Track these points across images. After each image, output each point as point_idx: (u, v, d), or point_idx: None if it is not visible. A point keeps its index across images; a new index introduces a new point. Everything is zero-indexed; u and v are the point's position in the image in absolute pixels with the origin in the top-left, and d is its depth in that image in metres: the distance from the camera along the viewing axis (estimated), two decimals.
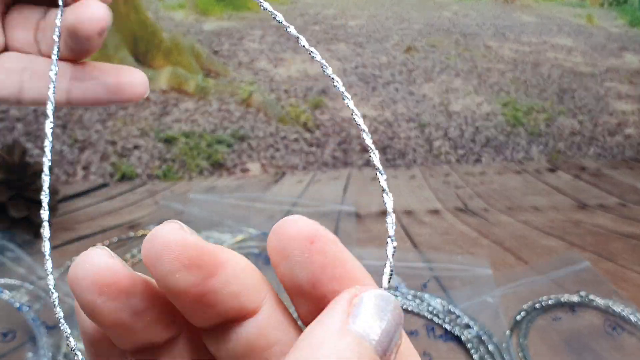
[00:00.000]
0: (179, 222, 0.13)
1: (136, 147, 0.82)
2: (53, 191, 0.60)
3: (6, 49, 0.22)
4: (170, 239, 0.12)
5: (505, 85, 0.96)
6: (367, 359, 0.12)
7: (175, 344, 0.14)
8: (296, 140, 0.85)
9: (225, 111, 0.86)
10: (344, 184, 0.79)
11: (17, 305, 0.44)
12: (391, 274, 0.14)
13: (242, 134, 0.85)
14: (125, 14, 0.81)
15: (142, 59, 0.82)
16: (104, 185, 0.78)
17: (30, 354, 0.41)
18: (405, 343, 0.14)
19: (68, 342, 0.15)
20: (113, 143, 0.82)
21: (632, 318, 0.46)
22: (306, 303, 0.13)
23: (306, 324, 0.14)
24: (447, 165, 0.90)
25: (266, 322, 0.14)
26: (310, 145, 0.85)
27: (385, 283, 0.14)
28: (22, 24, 0.22)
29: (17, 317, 0.44)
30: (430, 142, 0.91)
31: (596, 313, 0.48)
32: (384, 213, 0.71)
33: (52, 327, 0.43)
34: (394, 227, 0.15)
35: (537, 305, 0.48)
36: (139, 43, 0.87)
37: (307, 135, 0.86)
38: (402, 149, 0.89)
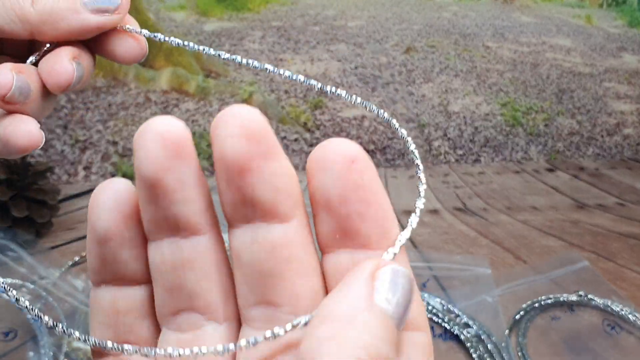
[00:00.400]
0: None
1: None
2: (54, 191, 0.60)
3: None
4: (243, 111, 0.13)
5: (504, 85, 0.97)
6: (392, 333, 0.12)
7: (199, 241, 0.14)
8: (296, 140, 0.85)
9: None
10: None
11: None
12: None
13: None
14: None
15: (142, 60, 0.82)
16: None
17: (31, 353, 0.41)
18: (419, 307, 0.14)
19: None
20: (114, 143, 0.82)
21: (631, 317, 0.46)
22: (328, 219, 0.14)
23: (321, 244, 0.14)
24: (446, 165, 0.90)
25: (293, 235, 0.14)
26: (311, 145, 0.85)
27: (405, 236, 0.14)
28: None
29: (18, 317, 0.44)
30: (429, 142, 0.91)
31: (595, 312, 0.48)
32: None
33: (53, 327, 0.43)
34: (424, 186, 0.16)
35: (536, 305, 0.48)
36: None
37: (307, 135, 0.86)
38: (402, 149, 0.89)
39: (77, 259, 0.53)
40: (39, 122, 0.20)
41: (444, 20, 0.98)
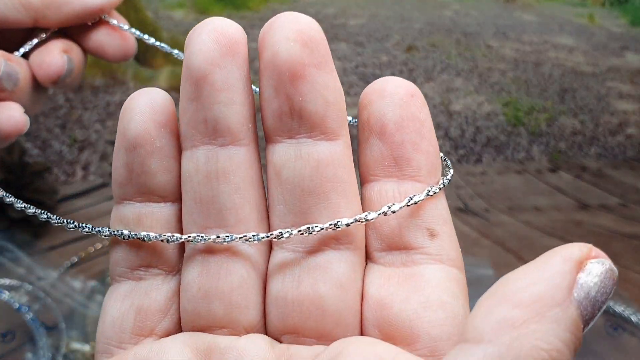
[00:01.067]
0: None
1: None
2: (52, 191, 0.60)
3: None
4: (300, 17, 0.13)
5: (506, 84, 0.96)
6: (578, 338, 0.10)
7: (237, 152, 0.14)
8: None
9: None
10: None
11: (17, 305, 0.44)
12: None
13: None
14: (125, 13, 0.81)
15: (141, 59, 0.82)
16: (104, 185, 0.78)
17: (29, 355, 0.41)
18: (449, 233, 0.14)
19: None
20: (113, 143, 0.82)
21: (634, 318, 0.46)
22: (380, 145, 0.13)
23: (365, 171, 0.14)
24: None
25: (340, 154, 0.13)
26: None
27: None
28: None
29: (16, 318, 0.44)
30: None
31: None
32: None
33: (52, 328, 0.43)
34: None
35: None
36: (138, 42, 0.86)
37: None
38: None
39: (75, 259, 0.53)
40: (27, 113, 0.20)
41: (445, 19, 0.97)
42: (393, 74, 1.02)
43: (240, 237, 0.13)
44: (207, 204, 0.14)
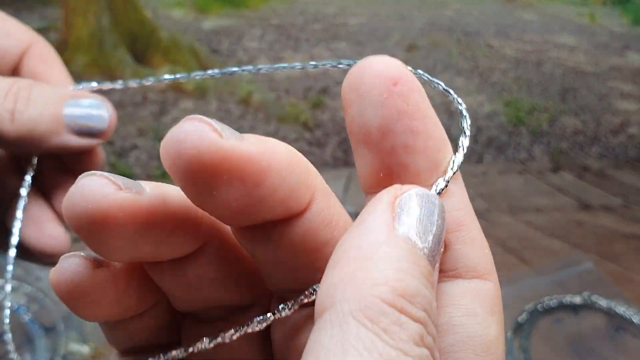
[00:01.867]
0: (204, 118, 0.10)
1: (134, 147, 0.81)
2: None
3: None
4: (202, 146, 0.10)
5: (508, 84, 0.96)
6: (421, 265, 0.10)
7: (201, 254, 0.12)
8: (296, 139, 0.85)
9: (224, 110, 0.86)
10: (345, 184, 0.78)
11: (15, 307, 0.44)
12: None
13: (242, 133, 0.84)
14: (124, 12, 0.81)
15: (140, 58, 0.82)
16: None
17: (27, 356, 0.41)
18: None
19: None
20: (111, 143, 0.82)
21: (635, 319, 0.46)
22: (369, 156, 0.12)
23: (363, 185, 0.12)
24: None
25: (315, 221, 0.12)
26: (311, 144, 0.85)
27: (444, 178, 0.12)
28: None
29: (14, 319, 0.44)
30: None
31: (599, 314, 0.48)
32: None
33: (49, 329, 0.43)
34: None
35: (540, 307, 0.48)
36: (137, 42, 0.86)
37: (307, 134, 0.86)
38: None
39: None
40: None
41: (446, 18, 0.97)
42: None
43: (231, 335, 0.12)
44: None
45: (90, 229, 0.11)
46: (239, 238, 0.12)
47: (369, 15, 0.95)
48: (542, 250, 0.61)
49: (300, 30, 0.90)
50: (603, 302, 0.48)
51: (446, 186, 0.12)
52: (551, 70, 0.99)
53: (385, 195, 0.11)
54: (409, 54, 0.95)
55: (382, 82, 0.11)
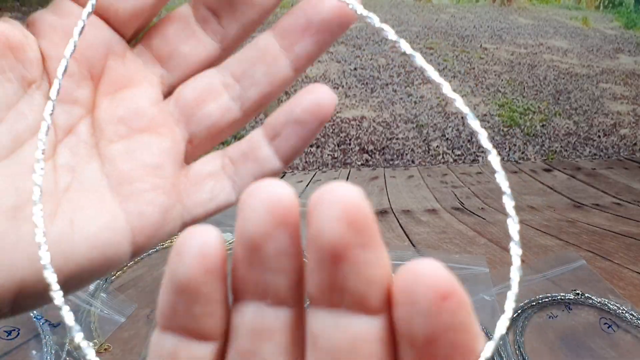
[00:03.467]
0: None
1: None
2: None
3: None
4: (347, 193, 0.12)
5: (502, 86, 0.97)
6: None
7: (284, 313, 0.14)
8: None
9: None
10: None
11: None
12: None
13: (242, 134, 0.85)
14: None
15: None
16: None
17: (34, 352, 0.41)
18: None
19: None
20: None
21: (627, 316, 0.47)
22: (411, 352, 0.12)
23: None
24: (444, 165, 0.90)
25: (378, 331, 0.13)
26: (310, 145, 0.86)
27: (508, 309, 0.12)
28: None
29: (20, 315, 0.44)
30: (428, 142, 0.91)
31: (592, 311, 0.48)
32: (382, 212, 0.72)
33: (56, 325, 0.43)
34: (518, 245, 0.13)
35: (534, 303, 0.49)
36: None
37: None
38: (401, 149, 0.90)
39: None
40: None
41: (442, 22, 0.98)
42: (391, 76, 1.03)
43: None
44: (249, 357, 0.14)
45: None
46: (309, 316, 0.14)
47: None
48: (536, 248, 0.62)
49: None
50: (595, 299, 0.49)
51: None
52: (545, 72, 1.00)
53: None
54: (406, 57, 0.96)
55: (435, 294, 0.12)
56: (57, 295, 0.15)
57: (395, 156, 0.89)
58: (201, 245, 0.14)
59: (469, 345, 0.12)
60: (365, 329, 0.13)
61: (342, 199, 0.12)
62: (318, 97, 0.19)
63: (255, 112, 0.21)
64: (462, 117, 0.93)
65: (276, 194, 0.13)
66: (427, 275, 0.12)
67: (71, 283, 0.18)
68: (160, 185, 0.19)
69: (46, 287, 0.16)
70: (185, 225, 0.19)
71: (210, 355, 0.14)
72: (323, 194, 0.13)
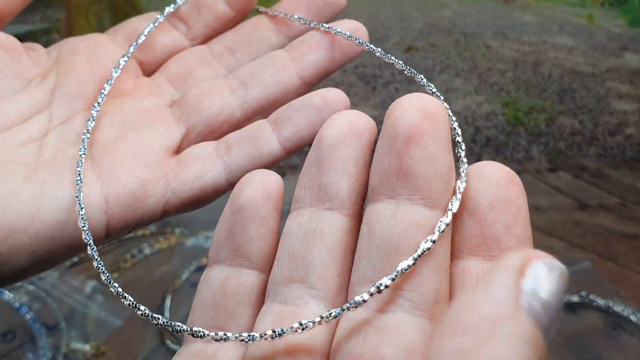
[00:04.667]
0: None
1: None
2: None
3: None
4: (429, 99, 0.14)
5: (506, 85, 0.96)
6: (540, 348, 0.09)
7: (339, 218, 0.15)
8: None
9: None
10: None
11: (17, 305, 0.44)
12: None
13: None
14: (125, 13, 0.81)
15: None
16: None
17: (30, 355, 0.41)
18: None
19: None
20: None
21: (633, 318, 0.46)
22: (471, 222, 0.14)
23: (453, 248, 0.14)
24: None
25: (435, 223, 0.13)
26: (309, 145, 0.85)
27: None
28: None
29: (16, 318, 0.44)
30: None
31: (597, 313, 0.48)
32: None
33: (52, 328, 0.43)
34: None
35: None
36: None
37: None
38: None
39: (76, 259, 0.53)
40: None
41: (445, 19, 0.97)
42: (393, 75, 1.03)
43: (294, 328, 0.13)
44: (298, 258, 0.14)
45: None
46: (367, 213, 0.15)
47: (368, 16, 0.96)
48: (540, 249, 0.62)
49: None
50: (601, 301, 0.49)
51: None
52: (549, 71, 0.99)
53: (513, 259, 0.10)
54: (408, 54, 0.95)
55: (504, 175, 0.14)
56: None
57: None
58: (264, 176, 0.15)
59: (526, 227, 0.14)
60: (423, 219, 0.13)
61: (423, 98, 0.14)
62: (334, 93, 0.20)
63: (257, 114, 0.21)
64: (465, 116, 0.93)
65: (359, 118, 0.15)
66: (498, 166, 0.14)
67: (42, 248, 0.18)
68: (142, 159, 0.19)
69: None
70: (167, 204, 0.19)
71: (255, 283, 0.15)
72: (405, 97, 0.14)
